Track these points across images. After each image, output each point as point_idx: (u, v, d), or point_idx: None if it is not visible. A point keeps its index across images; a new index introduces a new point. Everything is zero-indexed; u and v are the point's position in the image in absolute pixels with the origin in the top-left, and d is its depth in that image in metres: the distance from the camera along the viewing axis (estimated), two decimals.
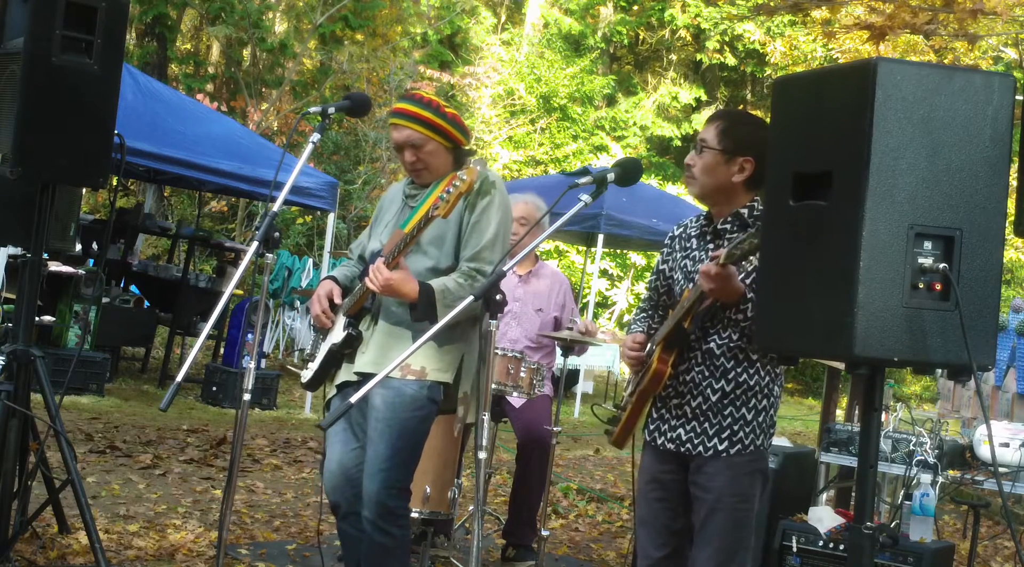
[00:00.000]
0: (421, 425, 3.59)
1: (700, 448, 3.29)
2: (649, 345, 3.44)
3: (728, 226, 3.33)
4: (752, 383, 3.28)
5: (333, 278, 3.80)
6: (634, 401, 3.42)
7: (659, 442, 3.39)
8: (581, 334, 5.11)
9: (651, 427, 3.43)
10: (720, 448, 3.26)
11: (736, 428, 3.27)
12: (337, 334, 3.70)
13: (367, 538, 3.56)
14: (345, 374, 3.71)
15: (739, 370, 3.28)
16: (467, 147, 3.73)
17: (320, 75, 19.52)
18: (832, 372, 6.43)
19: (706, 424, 3.29)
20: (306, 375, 3.82)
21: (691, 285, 3.33)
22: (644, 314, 3.63)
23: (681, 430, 3.33)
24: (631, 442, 3.56)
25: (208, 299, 10.99)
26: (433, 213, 3.34)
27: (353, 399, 2.86)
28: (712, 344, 3.29)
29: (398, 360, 3.05)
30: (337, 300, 3.72)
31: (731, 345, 3.27)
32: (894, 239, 2.28)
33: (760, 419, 3.29)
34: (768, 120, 2.84)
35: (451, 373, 3.62)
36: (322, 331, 3.82)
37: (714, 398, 3.28)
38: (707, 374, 3.29)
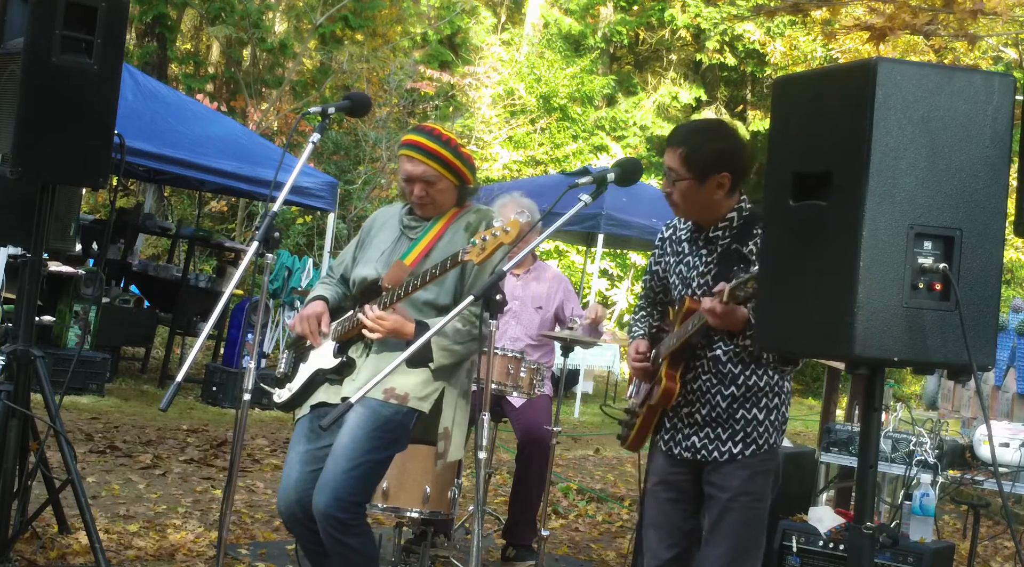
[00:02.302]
0: (388, 447, 3.56)
1: (715, 453, 3.30)
2: (654, 352, 3.45)
3: (720, 232, 3.33)
4: (762, 384, 3.29)
5: (323, 299, 3.76)
6: (645, 413, 3.43)
7: (675, 452, 3.39)
8: (593, 320, 5.19)
9: (665, 437, 3.43)
10: (735, 451, 3.28)
11: (749, 429, 3.28)
12: (327, 360, 3.66)
13: (328, 548, 3.51)
14: (324, 395, 3.66)
15: (747, 374, 3.28)
16: (472, 185, 3.73)
17: (320, 75, 19.51)
18: (832, 372, 6.43)
19: (719, 429, 3.30)
20: (283, 395, 3.76)
21: (688, 291, 3.34)
22: (643, 312, 3.63)
23: (695, 438, 3.34)
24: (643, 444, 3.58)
25: (208, 299, 10.99)
26: (464, 257, 3.32)
27: (353, 399, 2.86)
28: (718, 351, 3.29)
29: (393, 363, 3.03)
30: (325, 328, 3.68)
31: (737, 350, 3.27)
32: (894, 239, 2.28)
33: (772, 417, 3.30)
34: (767, 120, 2.84)
35: (428, 404, 3.59)
36: (298, 352, 3.79)
37: (724, 404, 3.29)
38: (715, 381, 3.30)
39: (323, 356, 3.68)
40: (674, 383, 3.30)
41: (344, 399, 3.54)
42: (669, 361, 3.32)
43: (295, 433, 3.72)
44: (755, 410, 3.28)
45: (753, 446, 3.27)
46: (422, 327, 3.50)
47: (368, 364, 3.62)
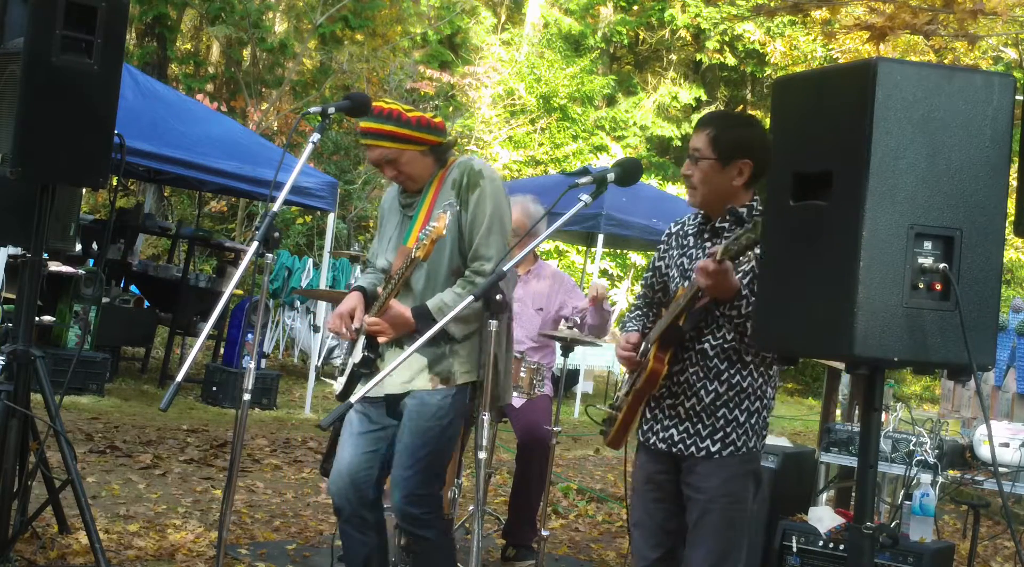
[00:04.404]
0: (443, 433, 3.62)
1: (692, 449, 3.28)
2: (644, 343, 3.44)
3: (726, 224, 3.32)
4: (745, 385, 3.28)
5: (361, 290, 3.78)
6: (630, 401, 3.41)
7: (651, 442, 3.38)
8: (594, 299, 5.21)
9: (644, 428, 3.42)
10: (712, 449, 3.26)
11: (729, 430, 3.26)
12: (358, 354, 3.73)
13: (407, 539, 3.73)
14: (365, 388, 3.72)
15: (732, 372, 3.27)
16: (444, 142, 3.71)
17: (320, 75, 19.52)
18: (832, 372, 6.43)
19: (699, 425, 3.28)
20: (337, 387, 3.86)
21: (686, 283, 3.32)
22: (639, 312, 3.62)
23: (674, 431, 3.32)
24: (625, 441, 3.56)
25: (208, 299, 10.99)
26: (415, 255, 3.39)
27: (353, 399, 2.87)
28: (706, 345, 3.28)
29: (399, 359, 3.04)
30: (356, 324, 3.71)
31: (725, 346, 3.26)
32: (894, 239, 2.28)
33: (753, 421, 3.28)
34: (767, 119, 2.83)
35: (476, 371, 3.64)
36: (352, 343, 3.85)
37: (707, 399, 3.27)
38: (701, 375, 3.28)
39: (358, 350, 3.75)
40: (661, 365, 3.27)
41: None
42: (658, 344, 3.30)
43: (346, 419, 3.77)
44: (736, 412, 3.27)
45: (731, 447, 3.26)
46: (421, 311, 3.55)
47: (398, 351, 3.66)
